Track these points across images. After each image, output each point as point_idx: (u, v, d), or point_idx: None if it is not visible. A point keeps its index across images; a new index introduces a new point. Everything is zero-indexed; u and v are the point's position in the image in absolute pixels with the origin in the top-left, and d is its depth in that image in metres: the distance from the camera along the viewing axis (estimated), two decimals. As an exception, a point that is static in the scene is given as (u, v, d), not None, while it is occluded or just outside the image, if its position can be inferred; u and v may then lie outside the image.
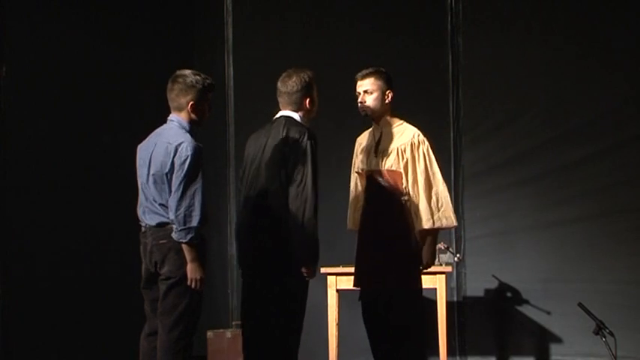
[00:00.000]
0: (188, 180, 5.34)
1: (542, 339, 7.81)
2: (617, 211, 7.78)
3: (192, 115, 5.51)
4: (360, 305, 6.02)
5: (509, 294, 7.88)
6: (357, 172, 6.19)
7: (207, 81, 5.54)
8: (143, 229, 5.56)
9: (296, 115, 5.86)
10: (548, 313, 7.79)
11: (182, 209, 5.32)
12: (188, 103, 5.48)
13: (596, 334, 6.71)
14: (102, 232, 7.37)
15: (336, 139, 7.20)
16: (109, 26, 7.59)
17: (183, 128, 5.48)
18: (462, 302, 7.95)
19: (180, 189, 5.32)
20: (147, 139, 5.60)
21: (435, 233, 6.01)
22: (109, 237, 7.37)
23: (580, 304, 6.82)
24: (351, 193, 6.27)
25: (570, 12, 7.91)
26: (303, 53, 7.89)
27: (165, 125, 5.56)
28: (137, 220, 5.60)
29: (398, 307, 5.90)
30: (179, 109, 5.51)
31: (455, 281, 7.92)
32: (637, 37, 7.78)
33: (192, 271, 5.39)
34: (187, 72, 5.53)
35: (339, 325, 7.16)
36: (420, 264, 5.96)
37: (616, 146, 7.78)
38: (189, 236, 5.34)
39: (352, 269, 7.05)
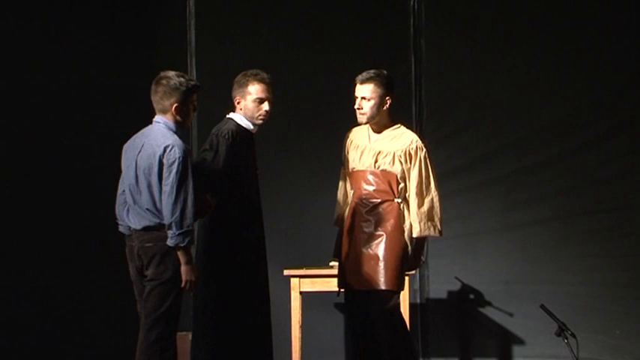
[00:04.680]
0: (179, 183, 5.31)
1: (505, 340, 7.84)
2: (576, 213, 7.83)
3: (177, 117, 5.47)
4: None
5: (471, 296, 7.90)
6: (345, 171, 6.17)
7: (192, 82, 5.52)
8: (125, 230, 5.56)
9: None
10: (511, 314, 7.82)
11: (177, 213, 5.30)
12: (172, 106, 5.45)
13: (558, 335, 6.75)
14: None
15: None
16: (67, 27, 7.48)
17: (170, 129, 5.45)
18: (425, 304, 7.96)
19: (174, 192, 5.30)
20: (132, 139, 5.58)
21: (423, 239, 6.06)
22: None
23: (542, 306, 6.85)
24: (339, 190, 6.26)
25: (531, 16, 7.95)
26: (266, 56, 7.86)
27: (151, 126, 5.53)
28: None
29: (385, 307, 5.93)
30: (164, 112, 5.48)
31: (418, 283, 7.92)
32: (593, 46, 7.84)
33: (187, 273, 5.38)
34: (171, 74, 5.50)
35: (303, 327, 7.15)
36: (405, 266, 6.01)
37: (575, 150, 7.85)
38: (186, 240, 5.33)
39: (315, 271, 7.09)
